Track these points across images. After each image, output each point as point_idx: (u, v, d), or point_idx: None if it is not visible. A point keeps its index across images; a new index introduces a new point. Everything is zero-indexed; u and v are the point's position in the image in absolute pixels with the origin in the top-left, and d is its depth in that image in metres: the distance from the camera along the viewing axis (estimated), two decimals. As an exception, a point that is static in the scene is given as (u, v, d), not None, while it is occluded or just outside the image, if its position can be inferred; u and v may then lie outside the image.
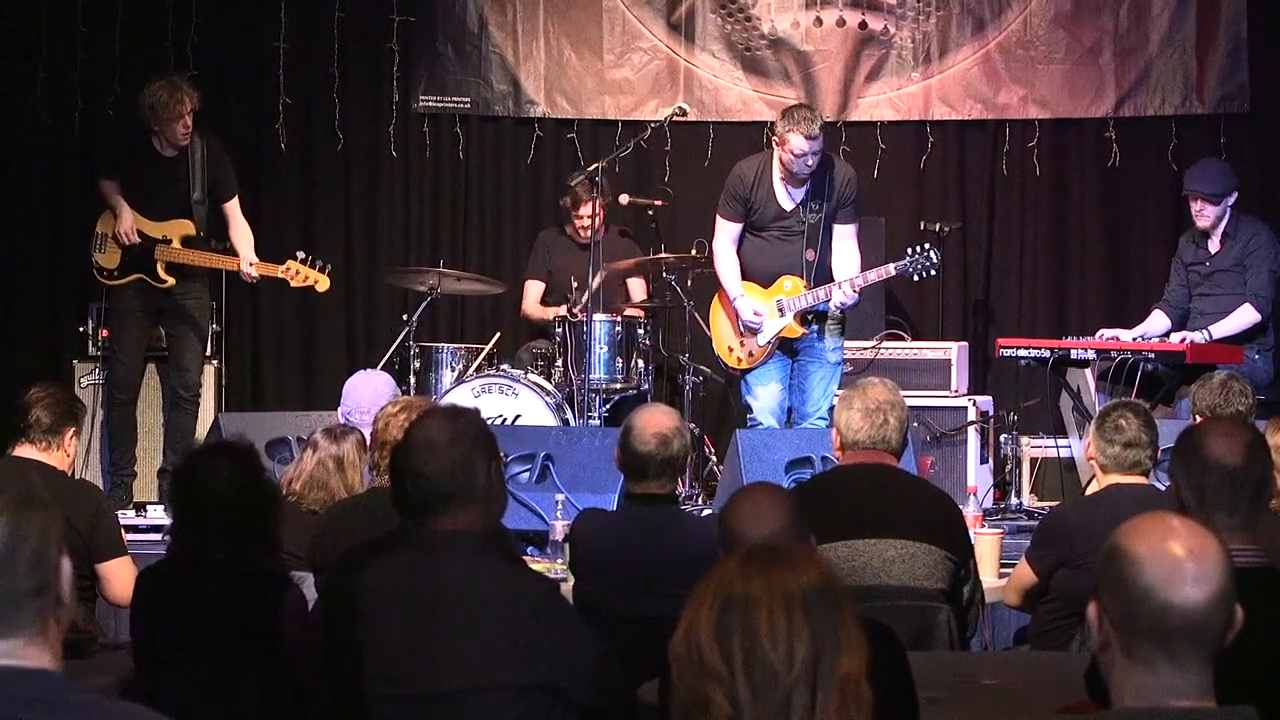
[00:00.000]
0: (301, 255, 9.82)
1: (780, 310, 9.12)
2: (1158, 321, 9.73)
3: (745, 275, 9.24)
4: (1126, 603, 2.88)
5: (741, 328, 9.22)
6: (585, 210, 10.39)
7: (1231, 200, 9.62)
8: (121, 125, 10.56)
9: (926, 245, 9.23)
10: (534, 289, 10.89)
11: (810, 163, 8.97)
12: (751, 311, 9.14)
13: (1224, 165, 9.98)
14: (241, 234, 9.83)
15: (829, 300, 9.05)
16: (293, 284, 9.86)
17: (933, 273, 9.25)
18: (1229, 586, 2.88)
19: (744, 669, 2.63)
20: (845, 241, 9.18)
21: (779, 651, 2.63)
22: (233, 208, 9.85)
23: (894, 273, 9.21)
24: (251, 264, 9.70)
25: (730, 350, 9.34)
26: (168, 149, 9.67)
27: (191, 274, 9.80)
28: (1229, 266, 9.60)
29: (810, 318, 9.17)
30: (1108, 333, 9.60)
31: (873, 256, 9.59)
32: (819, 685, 2.62)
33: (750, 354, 9.25)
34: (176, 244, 9.68)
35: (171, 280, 9.70)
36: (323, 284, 9.84)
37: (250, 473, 4.87)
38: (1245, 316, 9.45)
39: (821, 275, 9.11)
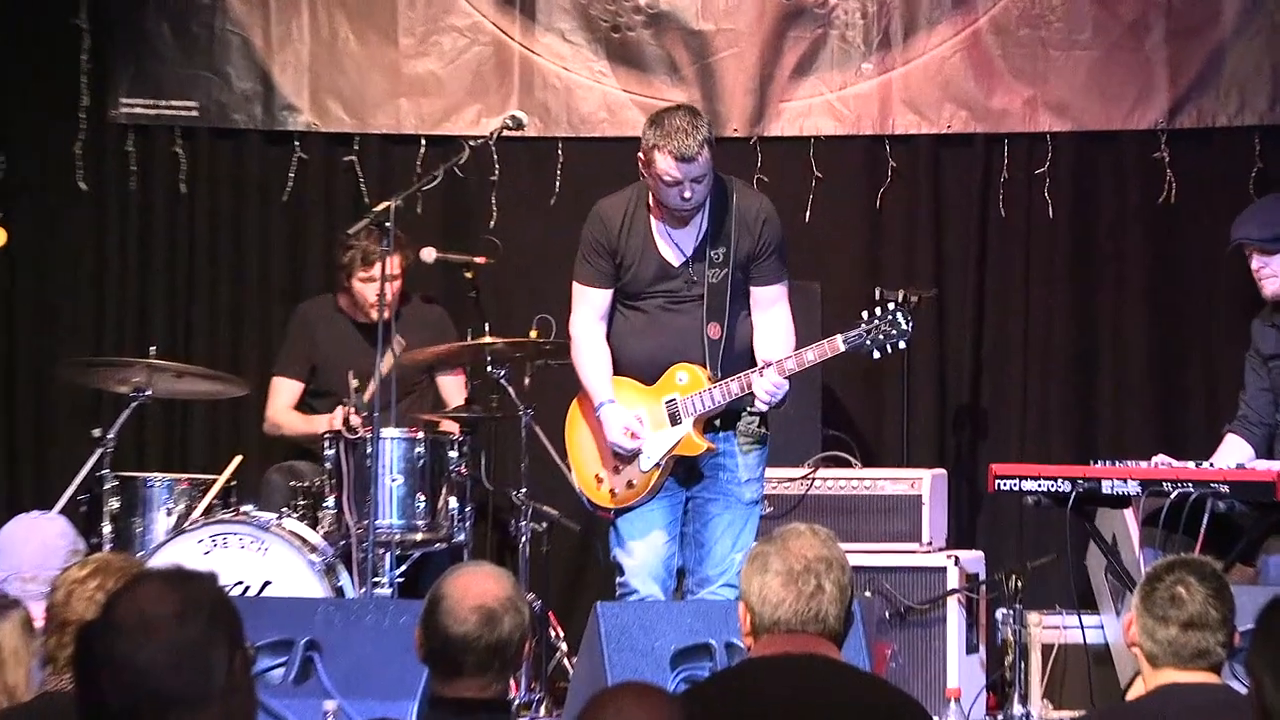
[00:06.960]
0: None
1: (672, 417, 9.08)
2: (1236, 450, 9.75)
3: (619, 367, 9.21)
4: None
5: (614, 449, 9.17)
6: (374, 273, 10.26)
7: None
8: None
9: (891, 306, 9.14)
10: (285, 389, 10.89)
11: (687, 194, 8.90)
12: (622, 429, 9.07)
13: None
14: None
15: (746, 394, 9.01)
16: None
17: (902, 345, 9.17)
18: None
19: None
20: (770, 310, 9.16)
21: None
22: None
23: (843, 348, 9.10)
24: None
25: (599, 481, 9.27)
26: None
27: None
28: (1325, 355, 9.68)
29: (718, 425, 9.15)
30: (1161, 459, 9.57)
31: (804, 337, 9.53)
32: None
33: (630, 484, 9.18)
34: None
35: None
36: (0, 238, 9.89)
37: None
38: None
39: (732, 361, 9.08)
